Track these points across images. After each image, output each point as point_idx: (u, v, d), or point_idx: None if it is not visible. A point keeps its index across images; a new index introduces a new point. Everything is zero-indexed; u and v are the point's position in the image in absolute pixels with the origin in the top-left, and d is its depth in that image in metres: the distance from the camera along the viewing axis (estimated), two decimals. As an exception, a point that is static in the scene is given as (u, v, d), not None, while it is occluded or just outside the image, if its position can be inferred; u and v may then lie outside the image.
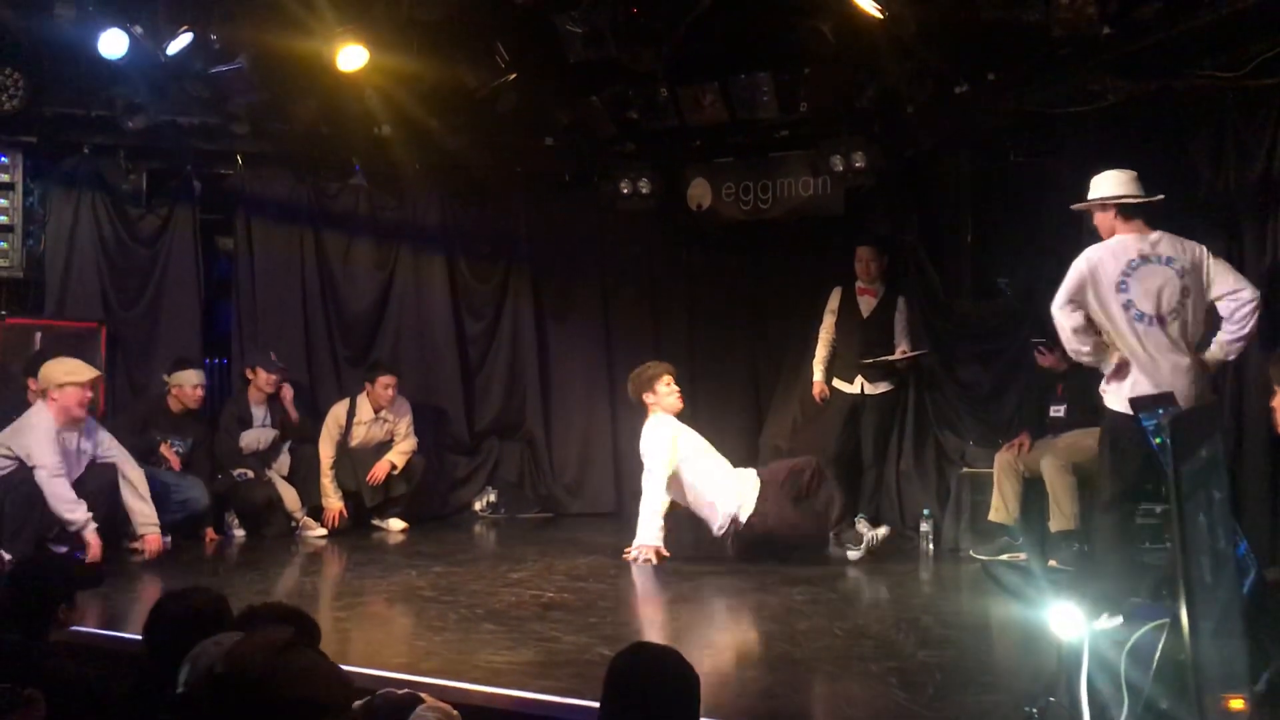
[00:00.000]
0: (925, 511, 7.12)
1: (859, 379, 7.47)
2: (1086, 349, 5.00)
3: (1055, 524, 6.27)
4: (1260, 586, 3.64)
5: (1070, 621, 3.28)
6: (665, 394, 6.74)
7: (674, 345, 8.91)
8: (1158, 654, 2.92)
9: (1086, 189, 5.18)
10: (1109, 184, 5.08)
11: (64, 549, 6.05)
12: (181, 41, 6.49)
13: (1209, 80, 5.77)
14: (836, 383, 7.59)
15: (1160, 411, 3.07)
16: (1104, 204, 5.06)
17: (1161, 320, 4.88)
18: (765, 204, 8.18)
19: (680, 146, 8.21)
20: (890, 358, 7.40)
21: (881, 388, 7.46)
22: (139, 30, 6.47)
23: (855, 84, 7.02)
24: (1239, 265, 5.79)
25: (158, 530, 6.42)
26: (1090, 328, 5.00)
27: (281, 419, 7.73)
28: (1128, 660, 3.01)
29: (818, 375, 7.63)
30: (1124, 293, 4.92)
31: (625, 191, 8.19)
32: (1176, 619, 2.24)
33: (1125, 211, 5.02)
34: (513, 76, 7.13)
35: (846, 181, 7.57)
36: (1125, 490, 4.95)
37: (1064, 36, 5.77)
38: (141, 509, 6.41)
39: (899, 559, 6.86)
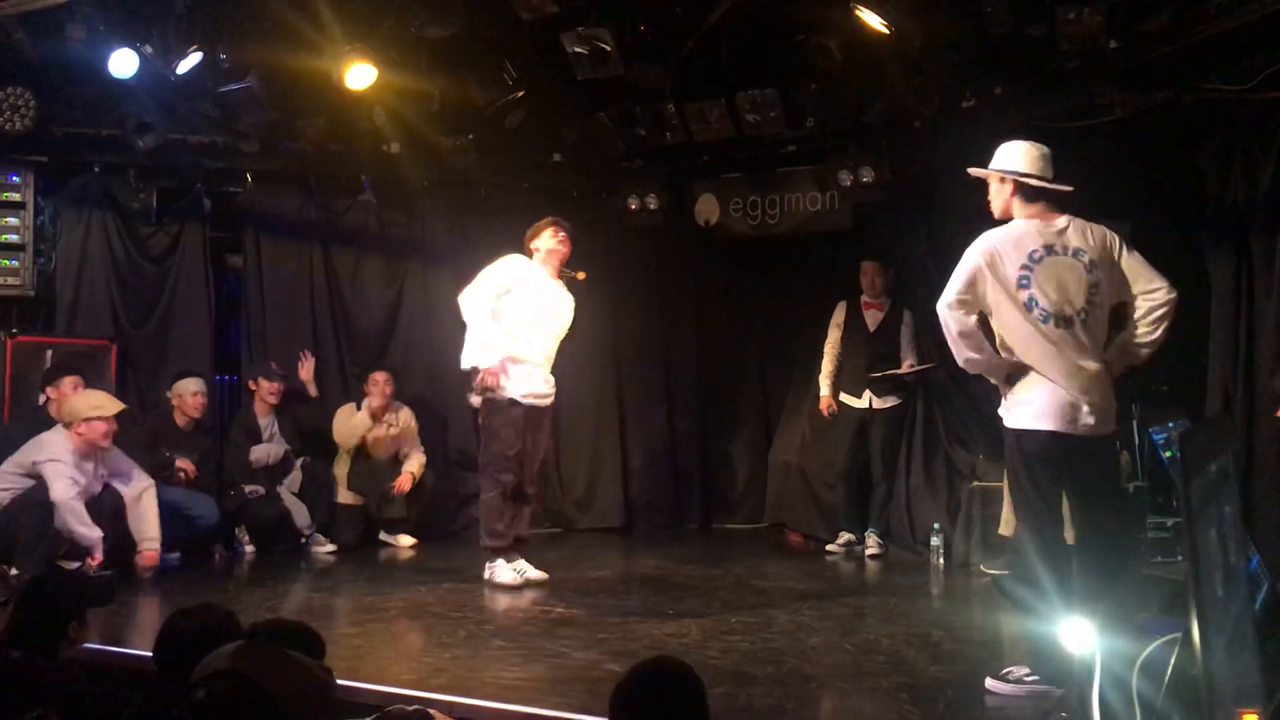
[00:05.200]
0: (935, 526, 7.11)
1: (867, 393, 7.46)
2: (978, 356, 4.29)
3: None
4: (1274, 600, 3.62)
5: (1081, 636, 3.28)
6: (548, 242, 6.40)
7: (682, 360, 8.92)
8: (1170, 669, 2.91)
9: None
10: (1014, 156, 4.36)
11: (75, 565, 6.07)
12: (191, 61, 6.53)
13: (1216, 93, 5.77)
14: (844, 397, 7.58)
15: (1170, 425, 3.07)
16: (1002, 177, 4.36)
17: (1069, 321, 4.18)
18: (773, 219, 8.19)
19: (688, 163, 8.24)
20: (898, 371, 7.40)
21: (890, 402, 7.46)
22: (149, 50, 6.51)
23: (862, 99, 7.04)
24: (1247, 279, 5.80)
25: (156, 547, 6.42)
26: (982, 332, 4.32)
27: (294, 416, 7.75)
28: (1139, 675, 2.99)
29: (824, 390, 7.62)
30: (1025, 289, 4.20)
31: (633, 208, 8.21)
32: (1187, 633, 2.23)
33: (1027, 193, 4.31)
34: (521, 94, 7.17)
35: (854, 196, 7.59)
36: (1046, 511, 4.31)
37: (1071, 50, 5.80)
38: (139, 524, 6.41)
39: (910, 573, 6.86)
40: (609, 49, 6.38)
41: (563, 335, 6.52)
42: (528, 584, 6.23)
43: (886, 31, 5.93)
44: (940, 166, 7.63)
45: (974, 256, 4.27)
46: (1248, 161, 5.77)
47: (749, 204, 8.27)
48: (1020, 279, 4.21)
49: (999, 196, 4.39)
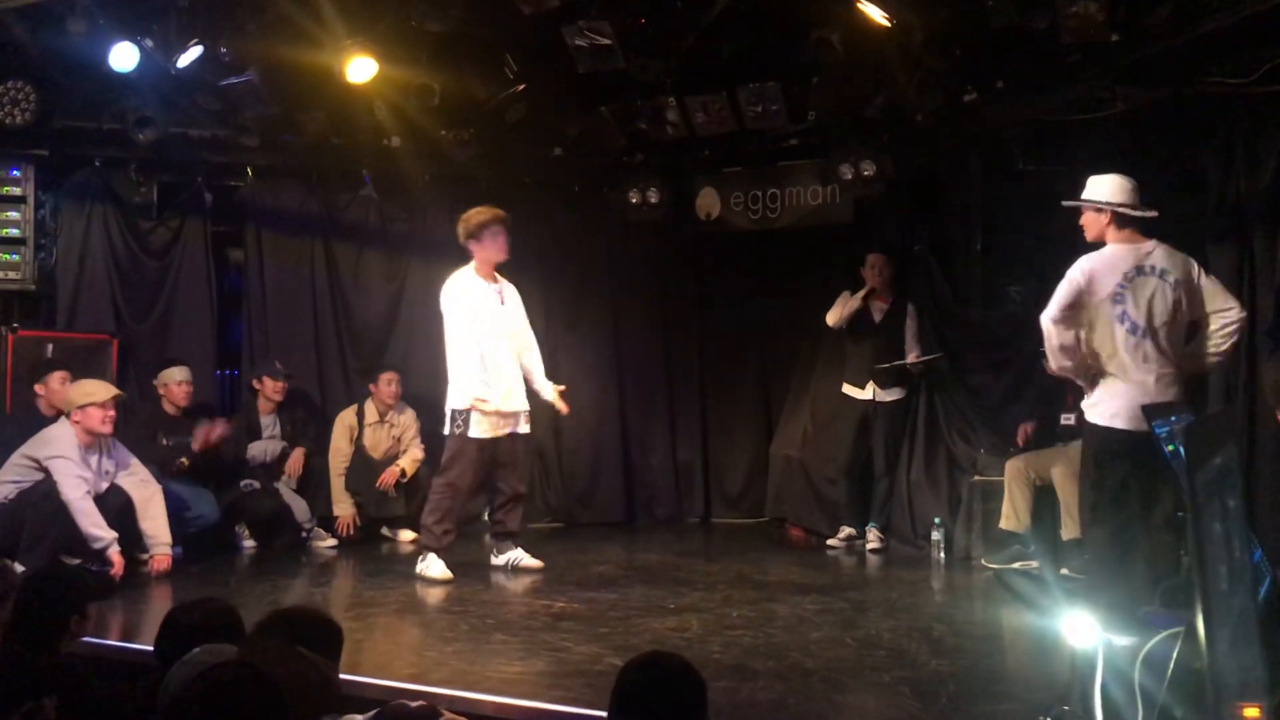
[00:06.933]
0: (936, 520, 7.11)
1: (870, 385, 7.45)
2: (1070, 364, 4.89)
3: (1067, 532, 6.26)
4: (1276, 594, 3.62)
5: (1083, 629, 3.27)
6: (491, 251, 6.47)
7: (683, 354, 8.92)
8: (1172, 662, 2.91)
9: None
10: (1108, 188, 4.93)
11: (76, 561, 6.06)
12: (192, 54, 6.51)
13: (1218, 87, 5.75)
14: (848, 389, 7.58)
15: (1173, 419, 3.06)
16: (1098, 208, 4.93)
17: (1154, 333, 4.79)
18: (774, 213, 8.19)
19: (689, 156, 8.23)
20: (904, 361, 7.39)
21: (894, 395, 7.45)
22: (149, 43, 6.50)
23: (864, 93, 7.02)
24: (1249, 274, 5.79)
25: (168, 551, 6.39)
26: (1079, 344, 4.88)
27: (292, 430, 7.76)
28: (1142, 669, 2.99)
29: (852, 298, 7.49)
30: (1119, 304, 4.79)
31: (634, 202, 8.20)
32: (1191, 627, 2.22)
33: (1120, 220, 4.89)
34: (522, 88, 7.15)
35: (855, 190, 7.57)
36: (1110, 499, 4.79)
37: (1072, 44, 5.78)
38: (152, 530, 6.38)
39: (911, 568, 6.86)
40: (610, 43, 6.37)
41: (522, 328, 6.68)
42: (448, 580, 6.25)
43: (888, 25, 5.92)
44: (942, 160, 7.63)
45: (1075, 277, 4.85)
46: (1250, 155, 5.75)
47: (750, 198, 8.26)
48: (1116, 295, 4.80)
49: (1094, 224, 4.97)
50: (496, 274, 6.60)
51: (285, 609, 3.27)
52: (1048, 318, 4.86)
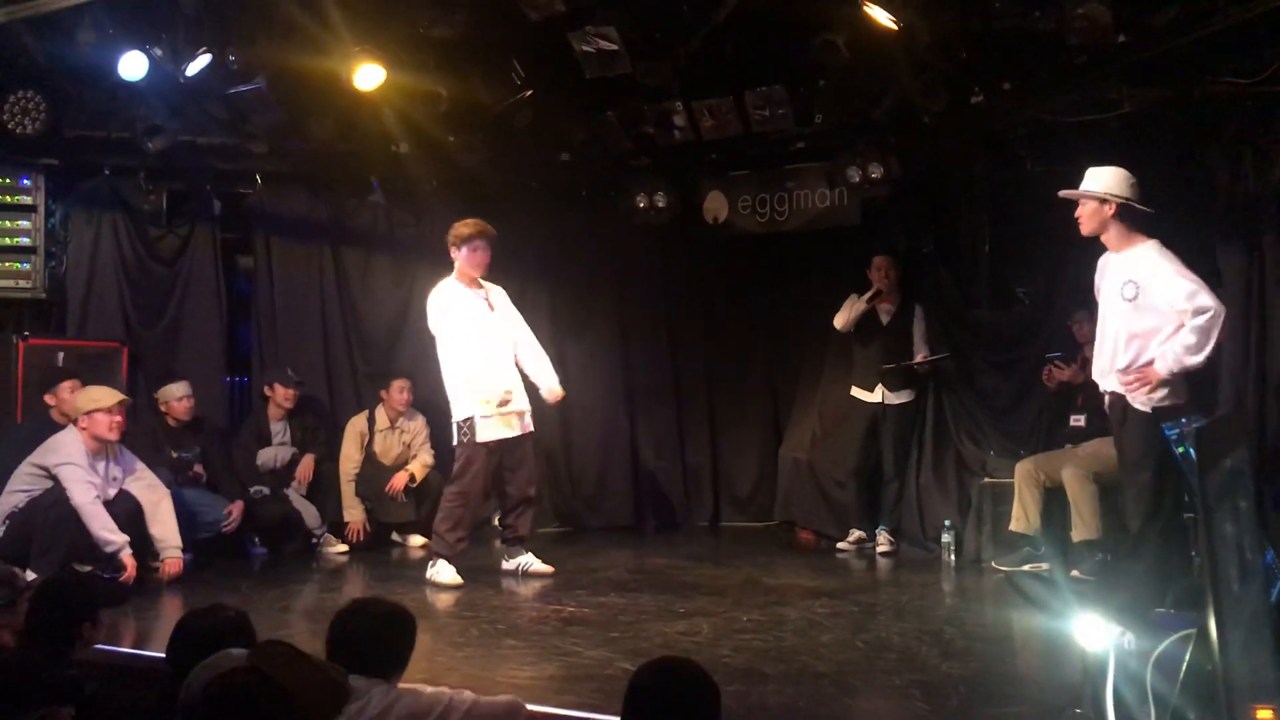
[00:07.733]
0: (946, 523, 7.09)
1: (879, 388, 7.44)
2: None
3: (1077, 534, 6.25)
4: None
5: (1095, 632, 3.26)
6: (468, 262, 6.50)
7: (691, 357, 8.91)
8: (1184, 665, 2.90)
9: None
10: (1114, 180, 4.92)
11: (88, 568, 6.08)
12: (200, 63, 6.54)
13: (1226, 87, 5.75)
14: (857, 391, 7.57)
15: (1183, 421, 3.06)
16: (1103, 199, 4.92)
17: None
18: (781, 216, 8.18)
19: (696, 160, 8.22)
20: (912, 362, 7.38)
21: (903, 397, 7.43)
22: (158, 52, 6.53)
23: (870, 96, 7.01)
24: (1259, 274, 5.80)
25: (179, 554, 6.42)
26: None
27: (302, 436, 7.77)
28: (1153, 671, 2.98)
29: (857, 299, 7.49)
30: None
31: (641, 206, 8.20)
32: (1203, 629, 2.22)
33: (1130, 216, 4.91)
34: (529, 93, 7.16)
35: (863, 193, 7.57)
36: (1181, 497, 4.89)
37: (1079, 45, 5.77)
38: (161, 534, 6.39)
39: (921, 570, 6.85)
40: (616, 48, 6.38)
41: (518, 327, 6.71)
42: (458, 585, 6.26)
43: (895, 28, 5.91)
44: (949, 162, 7.62)
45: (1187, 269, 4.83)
46: (1258, 155, 5.75)
47: (757, 201, 8.25)
48: None
49: (1096, 216, 4.92)
50: (480, 280, 6.61)
51: (364, 599, 3.37)
52: (1218, 302, 4.77)
